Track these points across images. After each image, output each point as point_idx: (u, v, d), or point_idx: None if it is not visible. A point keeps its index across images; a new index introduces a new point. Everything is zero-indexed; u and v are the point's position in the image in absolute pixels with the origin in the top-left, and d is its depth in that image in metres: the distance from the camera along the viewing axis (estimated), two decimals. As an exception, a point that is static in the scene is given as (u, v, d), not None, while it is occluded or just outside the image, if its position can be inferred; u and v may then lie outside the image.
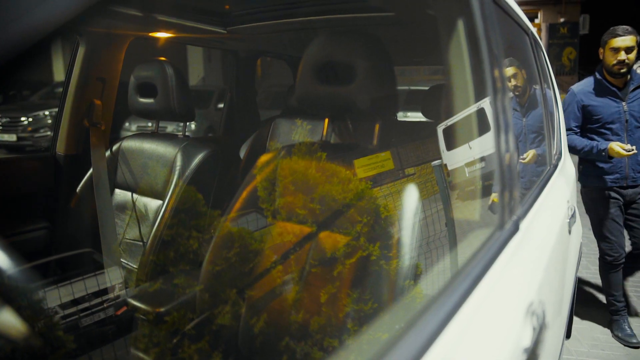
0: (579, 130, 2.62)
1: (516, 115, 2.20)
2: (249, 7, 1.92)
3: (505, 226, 0.95)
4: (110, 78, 2.05)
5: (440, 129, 1.57)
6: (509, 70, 1.99)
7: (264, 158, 1.42)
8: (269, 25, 2.03)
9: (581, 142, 2.55)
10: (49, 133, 8.16)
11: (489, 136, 1.04)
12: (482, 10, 1.01)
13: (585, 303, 3.17)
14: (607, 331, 2.79)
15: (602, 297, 3.24)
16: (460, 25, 1.01)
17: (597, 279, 3.53)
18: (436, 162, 1.51)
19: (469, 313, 0.70)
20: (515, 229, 0.98)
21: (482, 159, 1.14)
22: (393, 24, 1.72)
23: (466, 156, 1.15)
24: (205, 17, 1.97)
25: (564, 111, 2.61)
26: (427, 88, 2.17)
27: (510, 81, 2.01)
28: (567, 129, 2.61)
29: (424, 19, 1.44)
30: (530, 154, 1.99)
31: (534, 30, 2.00)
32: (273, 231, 1.38)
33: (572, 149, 2.57)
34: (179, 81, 1.64)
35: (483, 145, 1.07)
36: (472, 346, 0.68)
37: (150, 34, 2.17)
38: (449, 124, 1.18)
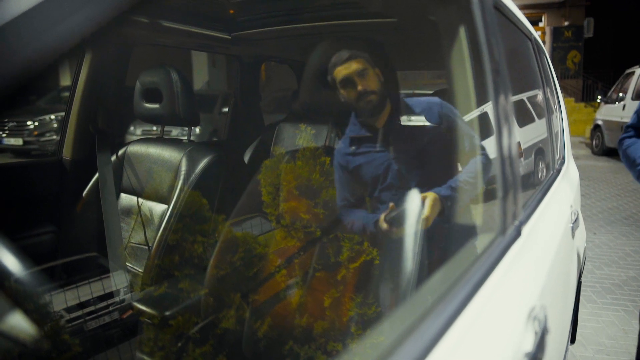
0: None
1: (367, 146, 1.34)
2: (253, 13, 1.94)
3: (507, 231, 0.96)
4: (116, 83, 2.08)
5: None
6: (351, 65, 1.26)
7: (268, 163, 1.43)
8: (272, 30, 2.05)
9: None
10: (54, 137, 8.21)
11: (492, 140, 1.05)
12: (483, 17, 1.02)
13: (590, 308, 3.16)
14: (612, 336, 2.78)
15: (606, 301, 3.23)
16: (462, 31, 1.02)
17: (600, 284, 3.52)
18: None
19: (470, 318, 0.70)
20: (517, 234, 0.99)
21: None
22: (395, 30, 1.73)
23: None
24: (209, 23, 1.99)
25: None
26: (431, 92, 2.18)
27: (353, 85, 1.26)
28: (629, 126, 1.78)
29: (426, 25, 1.45)
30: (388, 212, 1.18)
31: (536, 35, 2.01)
32: (277, 235, 1.39)
33: (626, 160, 1.74)
34: (184, 87, 1.66)
35: (490, 144, 1.07)
36: (473, 351, 0.69)
37: (155, 40, 2.19)
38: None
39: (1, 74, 0.30)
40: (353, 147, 1.36)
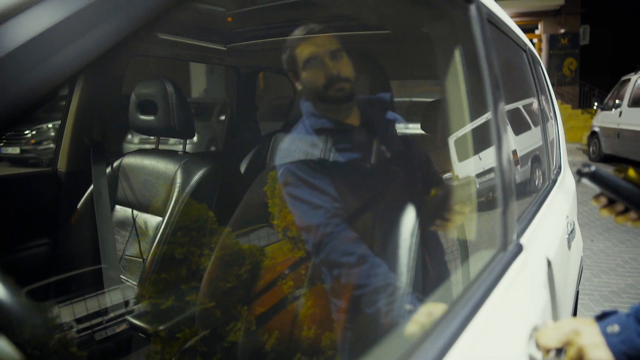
0: None
1: (343, 143, 1.10)
2: (247, 25, 1.94)
3: (508, 248, 0.95)
4: (111, 95, 2.07)
5: (451, 140, 1.55)
6: (323, 42, 1.04)
7: (273, 174, 1.42)
8: (267, 42, 2.05)
9: None
10: (51, 146, 8.20)
11: (489, 153, 1.05)
12: (476, 30, 1.02)
13: (588, 316, 3.15)
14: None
15: (604, 309, 3.22)
16: (455, 44, 1.02)
17: (599, 291, 3.51)
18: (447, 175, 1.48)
19: (471, 338, 0.70)
20: (518, 249, 0.98)
21: (491, 170, 1.13)
22: (390, 42, 1.73)
23: (477, 167, 1.13)
24: (205, 35, 1.99)
25: None
26: (429, 100, 2.18)
27: (323, 66, 1.03)
28: None
29: (420, 37, 1.46)
30: None
31: (531, 46, 2.01)
32: (284, 247, 1.38)
33: None
34: (179, 99, 1.65)
35: (489, 158, 1.07)
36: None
37: (151, 52, 2.19)
38: (459, 134, 1.17)
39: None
40: (329, 143, 1.06)
